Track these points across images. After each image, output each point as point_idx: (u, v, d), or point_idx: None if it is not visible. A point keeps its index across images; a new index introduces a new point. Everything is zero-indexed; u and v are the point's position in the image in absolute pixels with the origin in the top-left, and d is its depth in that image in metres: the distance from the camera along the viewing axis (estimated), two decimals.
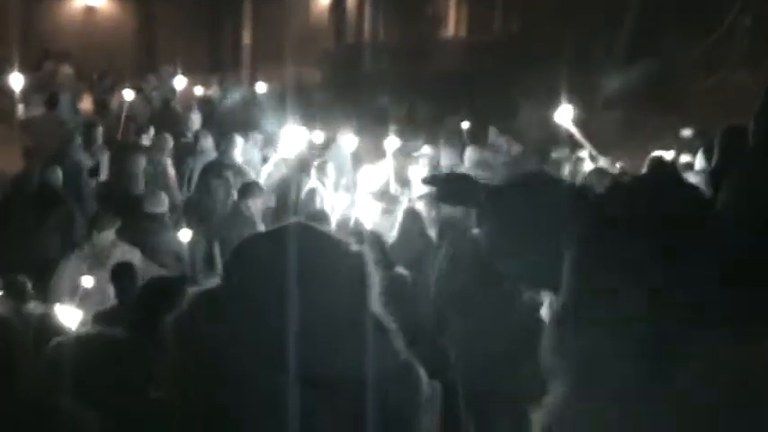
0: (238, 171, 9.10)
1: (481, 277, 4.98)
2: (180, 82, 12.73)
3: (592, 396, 1.62)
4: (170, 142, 9.81)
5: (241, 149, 9.46)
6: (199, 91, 13.16)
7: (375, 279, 1.56)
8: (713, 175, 2.07)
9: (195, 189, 9.27)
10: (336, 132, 10.35)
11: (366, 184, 8.93)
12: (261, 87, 12.82)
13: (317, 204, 8.39)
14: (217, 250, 7.65)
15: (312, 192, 8.62)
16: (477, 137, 10.47)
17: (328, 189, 8.83)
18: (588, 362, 1.66)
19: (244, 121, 11.35)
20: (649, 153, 7.89)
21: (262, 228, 7.51)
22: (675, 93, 14.00)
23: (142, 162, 8.89)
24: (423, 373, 1.62)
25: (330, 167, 9.03)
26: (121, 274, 5.83)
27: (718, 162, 2.78)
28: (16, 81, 10.54)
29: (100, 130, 9.99)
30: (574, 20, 15.25)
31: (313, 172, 8.89)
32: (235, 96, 13.27)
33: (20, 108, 10.96)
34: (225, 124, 11.18)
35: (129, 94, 11.20)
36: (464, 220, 6.49)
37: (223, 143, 9.46)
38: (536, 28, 17.05)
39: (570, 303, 1.74)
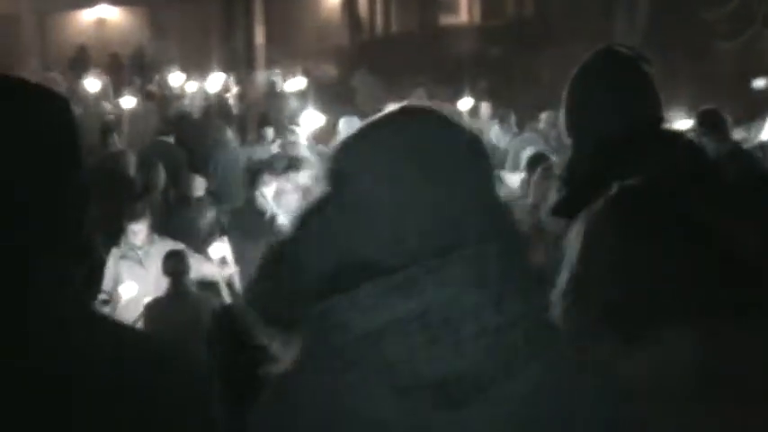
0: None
1: None
2: (177, 79, 13.09)
3: None
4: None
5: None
6: (204, 89, 13.19)
7: None
8: None
9: None
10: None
11: None
12: (299, 82, 12.97)
13: None
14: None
15: None
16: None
17: None
18: None
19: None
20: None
21: (280, 215, 7.20)
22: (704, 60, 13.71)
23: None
24: None
25: None
26: (177, 261, 5.89)
27: None
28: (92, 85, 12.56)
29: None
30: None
31: None
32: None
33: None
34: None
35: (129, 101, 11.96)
36: None
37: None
38: (549, 11, 16.92)
39: None
